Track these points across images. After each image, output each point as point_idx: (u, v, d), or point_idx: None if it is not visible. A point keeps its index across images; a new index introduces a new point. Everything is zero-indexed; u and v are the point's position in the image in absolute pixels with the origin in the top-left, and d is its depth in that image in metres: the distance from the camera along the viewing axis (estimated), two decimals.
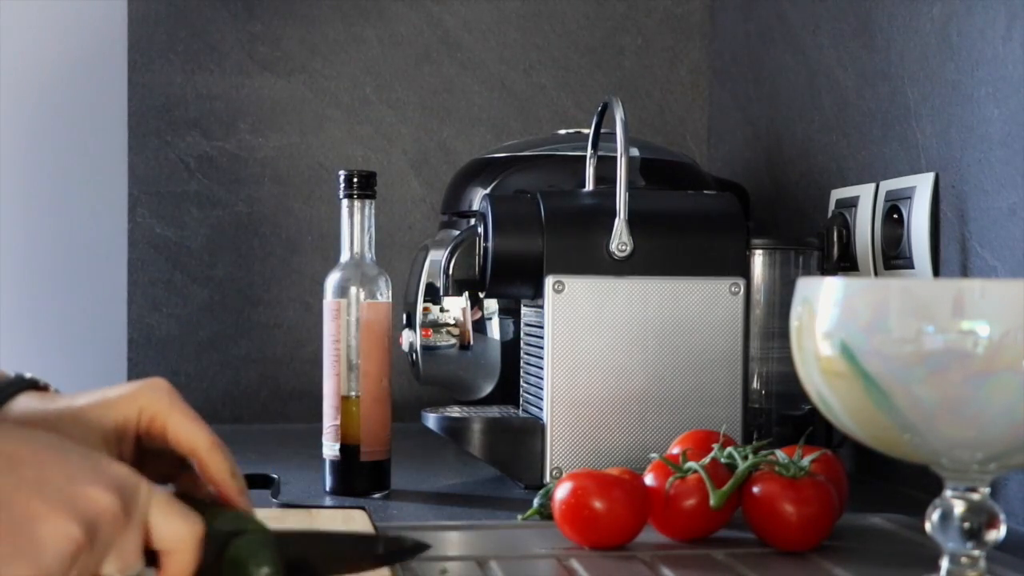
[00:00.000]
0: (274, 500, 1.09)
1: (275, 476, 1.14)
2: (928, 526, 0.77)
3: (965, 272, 1.16)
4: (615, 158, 1.17)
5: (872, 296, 0.72)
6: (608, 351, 1.18)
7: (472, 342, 1.39)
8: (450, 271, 1.24)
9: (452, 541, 0.97)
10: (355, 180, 1.19)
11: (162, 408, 0.76)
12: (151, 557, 0.67)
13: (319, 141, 1.80)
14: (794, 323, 0.77)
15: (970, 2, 1.15)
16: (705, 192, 1.41)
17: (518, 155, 1.47)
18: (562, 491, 0.93)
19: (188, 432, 0.76)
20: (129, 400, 0.77)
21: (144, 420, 0.76)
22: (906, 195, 1.24)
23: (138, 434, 0.77)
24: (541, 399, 1.19)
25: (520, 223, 1.19)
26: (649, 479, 0.95)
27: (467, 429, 1.22)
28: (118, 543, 0.64)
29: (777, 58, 1.61)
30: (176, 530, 0.66)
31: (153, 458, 0.79)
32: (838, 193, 1.40)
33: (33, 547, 0.60)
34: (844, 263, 1.33)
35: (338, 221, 1.20)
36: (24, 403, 0.78)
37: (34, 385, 0.80)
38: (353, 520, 0.96)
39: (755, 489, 0.93)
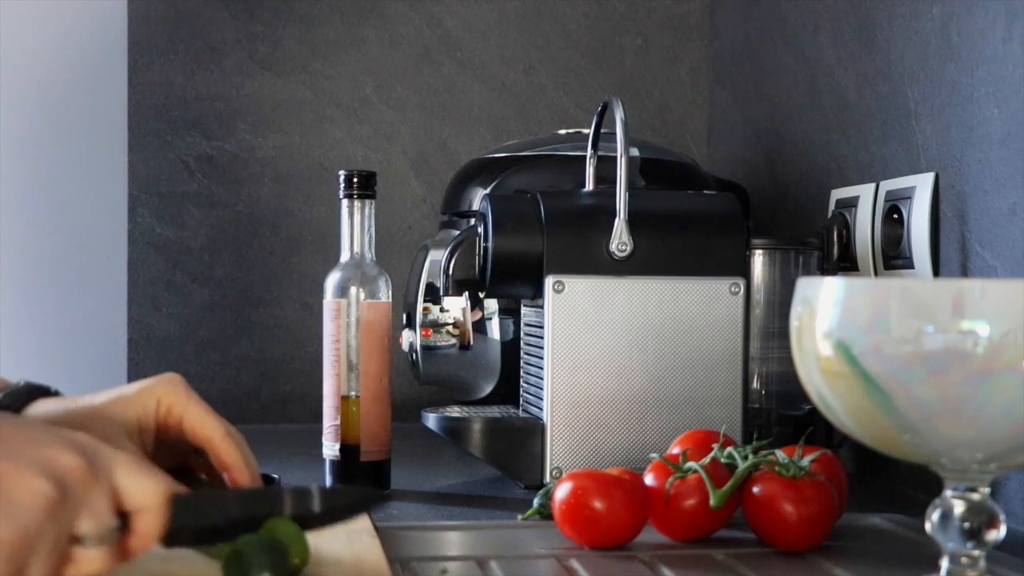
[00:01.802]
0: None
1: (275, 476, 1.14)
2: (928, 526, 0.77)
3: (965, 272, 1.16)
4: (615, 158, 1.17)
5: (872, 296, 0.72)
6: (608, 351, 1.18)
7: (472, 342, 1.39)
8: (450, 271, 1.24)
9: (452, 541, 0.97)
10: (355, 180, 1.19)
11: (178, 400, 0.80)
12: (124, 523, 0.68)
13: (319, 141, 1.80)
14: (794, 323, 0.77)
15: (970, 2, 1.15)
16: (705, 192, 1.41)
17: (518, 155, 1.47)
18: (562, 491, 0.93)
19: (203, 422, 0.80)
20: (147, 393, 0.81)
21: (161, 411, 0.80)
22: (906, 195, 1.24)
23: (156, 426, 0.80)
24: (541, 399, 1.19)
25: (520, 223, 1.19)
26: (649, 479, 0.95)
27: (467, 429, 1.22)
28: (88, 501, 0.65)
29: (777, 58, 1.61)
30: (143, 487, 0.67)
31: (167, 450, 0.81)
32: (838, 193, 1.40)
33: (7, 505, 0.62)
34: (844, 263, 1.34)
35: (338, 221, 1.20)
36: (42, 407, 0.81)
37: (46, 392, 0.83)
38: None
39: (755, 489, 0.93)
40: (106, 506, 0.66)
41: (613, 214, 1.18)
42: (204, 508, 0.71)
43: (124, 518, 0.67)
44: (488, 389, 1.42)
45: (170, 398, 0.81)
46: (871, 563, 0.90)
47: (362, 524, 0.95)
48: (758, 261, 1.30)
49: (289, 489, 0.76)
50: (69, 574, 0.65)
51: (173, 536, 0.70)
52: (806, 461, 0.95)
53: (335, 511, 0.77)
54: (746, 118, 1.73)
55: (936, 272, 1.20)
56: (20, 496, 0.62)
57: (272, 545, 0.74)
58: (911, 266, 1.23)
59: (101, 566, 0.65)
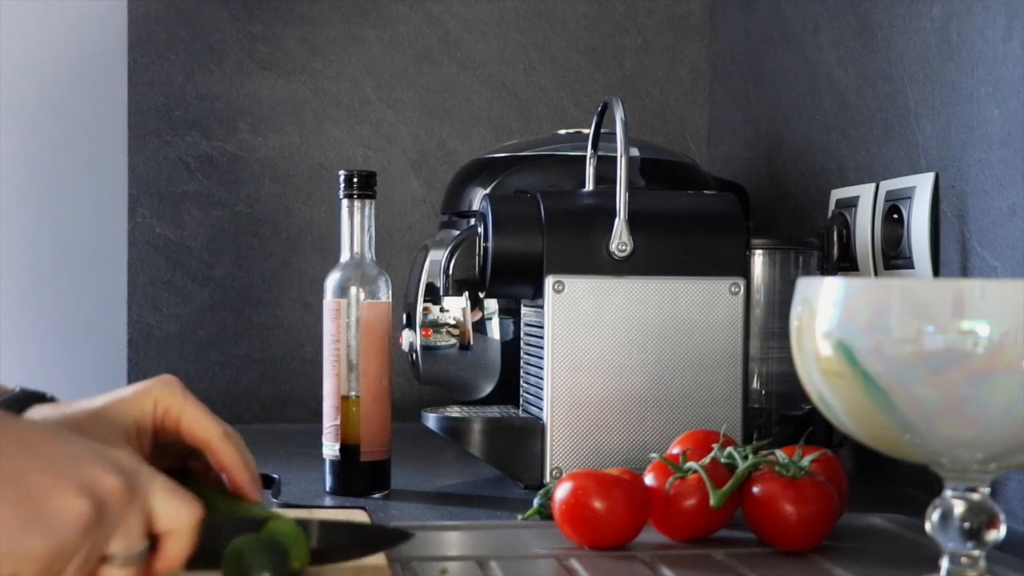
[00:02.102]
0: (274, 500, 1.09)
1: (275, 476, 1.14)
2: (928, 526, 0.77)
3: (965, 272, 1.16)
4: (615, 158, 1.17)
5: (872, 296, 0.72)
6: (608, 351, 1.18)
7: (472, 342, 1.39)
8: (450, 271, 1.24)
9: (452, 541, 0.97)
10: (355, 180, 1.19)
11: (175, 401, 0.80)
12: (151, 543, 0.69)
13: (319, 141, 1.80)
14: (794, 323, 0.77)
15: (970, 2, 1.15)
16: (705, 192, 1.41)
17: (518, 155, 1.47)
18: (562, 491, 0.93)
19: (201, 423, 0.80)
20: (144, 396, 0.81)
21: (159, 413, 0.80)
22: (906, 195, 1.24)
23: (154, 428, 0.80)
24: (541, 399, 1.19)
25: (520, 223, 1.19)
26: (649, 479, 0.95)
27: (467, 429, 1.22)
28: (123, 522, 0.66)
29: (777, 58, 1.61)
30: (176, 512, 0.68)
31: (162, 452, 0.81)
32: (838, 193, 1.40)
33: (47, 520, 0.63)
34: (844, 263, 1.33)
35: (338, 221, 1.20)
36: (38, 413, 0.82)
37: (42, 398, 0.83)
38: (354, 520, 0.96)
39: (755, 489, 0.93)
40: (140, 528, 0.67)
41: (613, 214, 1.18)
42: (222, 532, 0.73)
43: (152, 539, 0.69)
44: (488, 389, 1.42)
45: (167, 400, 0.80)
46: (871, 563, 0.90)
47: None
48: (758, 261, 1.30)
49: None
50: None
51: (194, 560, 0.71)
52: (806, 461, 0.95)
53: (342, 549, 0.78)
54: (746, 118, 1.73)
55: (936, 272, 1.20)
56: (60, 513, 0.63)
57: (272, 545, 0.74)
58: (911, 266, 1.23)
59: None
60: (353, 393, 1.16)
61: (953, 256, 1.18)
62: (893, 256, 1.26)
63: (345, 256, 1.19)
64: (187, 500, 0.69)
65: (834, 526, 0.94)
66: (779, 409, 1.29)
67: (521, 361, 1.31)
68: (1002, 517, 0.76)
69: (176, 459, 0.83)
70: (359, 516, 0.97)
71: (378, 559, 0.83)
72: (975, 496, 0.76)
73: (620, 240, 1.18)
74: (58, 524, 0.63)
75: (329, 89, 1.80)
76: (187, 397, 0.81)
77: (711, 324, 1.18)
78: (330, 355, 1.17)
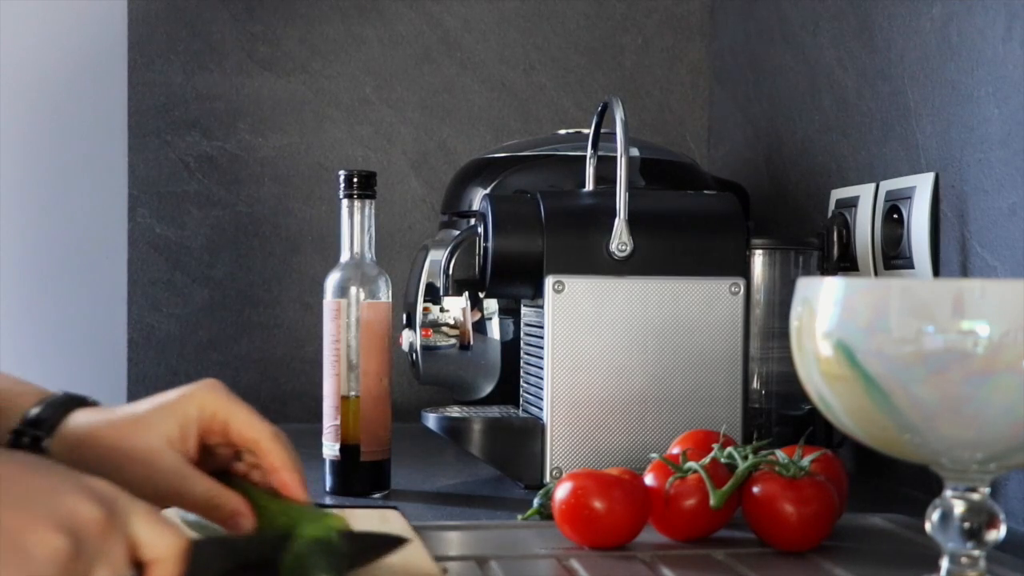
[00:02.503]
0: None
1: None
2: (928, 526, 0.77)
3: (965, 272, 1.16)
4: (615, 158, 1.17)
5: (872, 296, 0.72)
6: (608, 351, 1.18)
7: (472, 342, 1.39)
8: (450, 271, 1.24)
9: (452, 541, 0.97)
10: (355, 180, 1.19)
11: (222, 404, 0.80)
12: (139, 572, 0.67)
13: (319, 141, 1.80)
14: (794, 323, 0.77)
15: (970, 2, 1.15)
16: (705, 192, 1.41)
17: (518, 155, 1.47)
18: (562, 491, 0.93)
19: (250, 424, 0.80)
20: (187, 400, 0.80)
21: (205, 417, 0.80)
22: (906, 195, 1.24)
23: (200, 431, 0.80)
24: (541, 399, 1.19)
25: (520, 223, 1.19)
26: (649, 479, 0.95)
27: (467, 429, 1.22)
28: (104, 552, 0.64)
29: (777, 58, 1.61)
30: (160, 540, 0.67)
31: (208, 455, 0.82)
32: (838, 193, 1.40)
33: (22, 559, 0.61)
34: (844, 263, 1.33)
35: (338, 221, 1.20)
36: (82, 418, 0.81)
37: (84, 402, 0.82)
38: (388, 521, 0.96)
39: (755, 489, 0.93)
40: (122, 557, 0.65)
41: (613, 214, 1.18)
42: (215, 555, 0.72)
43: (139, 567, 0.67)
44: (488, 389, 1.42)
45: (213, 404, 0.80)
46: (871, 563, 0.90)
47: (399, 524, 0.95)
48: (758, 261, 1.30)
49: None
50: None
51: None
52: (806, 461, 0.95)
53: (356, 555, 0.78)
54: (746, 118, 1.73)
55: (936, 272, 1.20)
56: (36, 550, 0.62)
57: (329, 546, 0.74)
58: (911, 266, 1.23)
59: None
60: (353, 393, 1.16)
61: (953, 256, 1.18)
62: (893, 256, 1.26)
63: (345, 256, 1.19)
64: (170, 527, 0.68)
65: (834, 526, 0.94)
66: (779, 409, 1.29)
67: (521, 361, 1.31)
68: (1002, 517, 0.76)
69: (223, 462, 0.83)
70: (393, 517, 0.98)
71: (424, 558, 0.83)
72: (975, 496, 0.76)
73: (620, 240, 1.18)
74: (35, 562, 0.61)
75: (329, 89, 1.80)
76: (233, 399, 0.81)
77: (711, 324, 1.18)
78: (330, 355, 1.17)
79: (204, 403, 0.80)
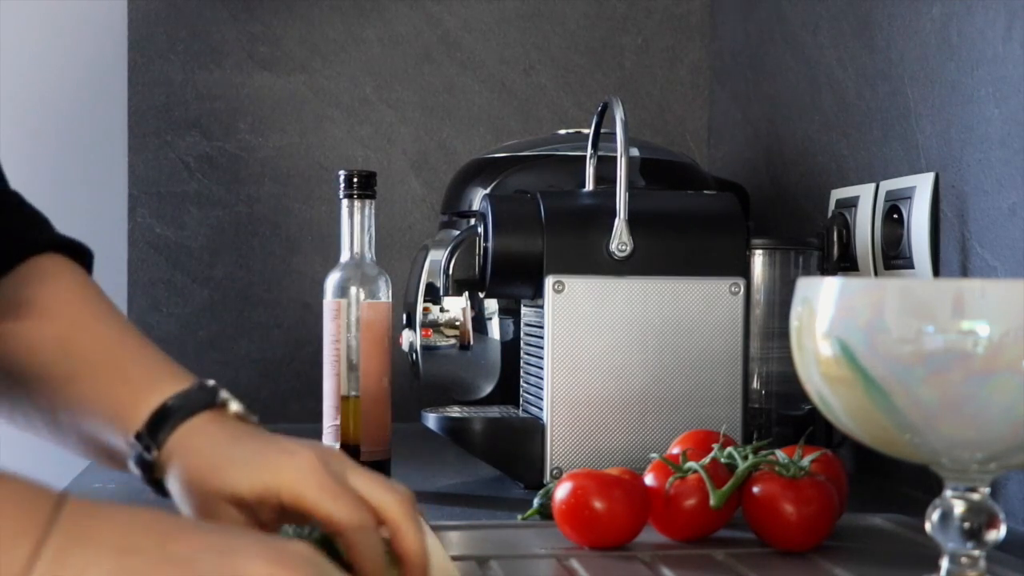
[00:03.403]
0: None
1: None
2: (928, 526, 0.77)
3: (965, 272, 1.16)
4: (615, 158, 1.17)
5: (871, 296, 0.72)
6: (608, 351, 1.17)
7: (472, 342, 1.39)
8: (450, 271, 1.24)
9: (452, 541, 0.97)
10: (355, 180, 1.19)
11: (307, 492, 0.72)
12: None
13: (319, 141, 1.80)
14: (794, 323, 0.77)
15: (970, 2, 1.15)
16: (705, 192, 1.41)
17: (518, 155, 1.47)
18: (562, 491, 0.93)
19: (332, 514, 0.72)
20: (274, 472, 0.74)
21: (286, 498, 0.73)
22: (906, 195, 1.24)
23: (278, 507, 0.74)
24: (541, 399, 1.19)
25: (520, 223, 1.19)
26: (649, 479, 0.95)
27: (467, 429, 1.22)
28: None
29: (777, 58, 1.61)
30: None
31: None
32: (838, 193, 1.40)
33: None
34: (844, 263, 1.33)
35: (338, 221, 1.20)
36: (199, 426, 0.82)
37: (212, 403, 0.84)
38: None
39: (755, 489, 0.93)
40: None
41: (613, 214, 1.18)
42: None
43: None
44: (488, 389, 1.42)
45: (296, 488, 0.72)
46: (871, 563, 0.90)
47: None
48: (758, 261, 1.30)
49: None
50: None
51: None
52: (806, 461, 0.95)
53: None
54: (746, 118, 1.73)
55: (936, 272, 1.20)
56: None
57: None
58: (911, 266, 1.23)
59: None
60: (353, 393, 1.16)
61: (953, 256, 1.18)
62: (893, 256, 1.26)
63: (345, 256, 1.19)
64: None
65: (834, 526, 0.94)
66: (779, 409, 1.29)
67: (521, 361, 1.31)
68: (1002, 517, 0.76)
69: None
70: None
71: (443, 558, 0.83)
72: (975, 496, 0.76)
73: (620, 240, 1.18)
74: None
75: (329, 89, 1.80)
76: (323, 486, 0.72)
77: (711, 324, 1.18)
78: (330, 355, 1.17)
79: (287, 484, 0.73)
